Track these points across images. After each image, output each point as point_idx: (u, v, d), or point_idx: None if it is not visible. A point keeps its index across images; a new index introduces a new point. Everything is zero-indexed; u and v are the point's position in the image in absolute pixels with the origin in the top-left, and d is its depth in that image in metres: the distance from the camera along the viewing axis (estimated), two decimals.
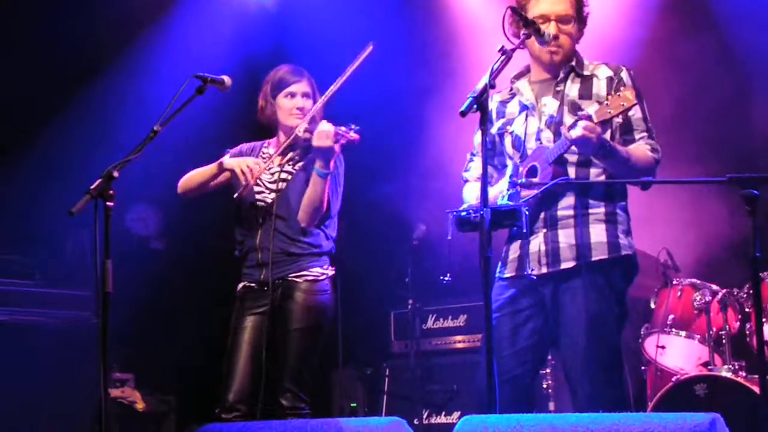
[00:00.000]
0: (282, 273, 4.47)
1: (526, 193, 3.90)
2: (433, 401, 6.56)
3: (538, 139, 4.01)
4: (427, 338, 6.78)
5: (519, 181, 3.93)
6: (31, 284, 5.98)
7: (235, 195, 4.50)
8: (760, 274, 3.54)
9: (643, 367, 5.78)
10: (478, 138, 4.19)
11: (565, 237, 3.95)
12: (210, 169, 4.62)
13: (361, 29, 6.52)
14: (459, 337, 6.74)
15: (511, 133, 4.11)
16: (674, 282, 5.61)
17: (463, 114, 3.51)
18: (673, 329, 5.52)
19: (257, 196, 4.55)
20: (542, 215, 3.98)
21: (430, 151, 6.58)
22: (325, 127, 4.39)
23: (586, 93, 4.00)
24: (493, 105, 4.20)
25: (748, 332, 5.38)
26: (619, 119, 3.92)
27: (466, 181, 4.29)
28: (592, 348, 3.86)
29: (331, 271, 4.56)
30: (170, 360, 6.74)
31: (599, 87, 3.99)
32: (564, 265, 3.94)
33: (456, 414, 6.42)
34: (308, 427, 3.61)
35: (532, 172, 3.96)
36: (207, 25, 6.77)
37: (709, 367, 5.26)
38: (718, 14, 6.25)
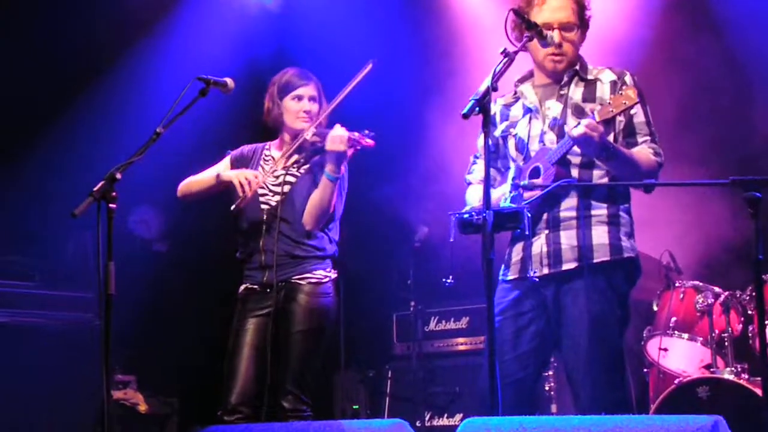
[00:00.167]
0: (285, 275, 4.47)
1: (528, 195, 3.89)
2: (435, 403, 6.56)
3: (542, 141, 4.01)
4: (429, 340, 6.78)
5: (521, 183, 3.93)
6: (32, 286, 5.98)
7: (233, 207, 4.50)
8: (763, 276, 3.53)
9: (645, 370, 5.77)
10: (481, 141, 4.19)
11: (567, 238, 3.95)
12: (208, 179, 4.62)
13: (363, 31, 6.54)
14: (461, 340, 6.73)
15: (515, 135, 4.11)
16: (677, 284, 5.60)
17: (465, 116, 3.51)
18: (676, 331, 5.51)
19: (261, 199, 4.55)
20: (545, 217, 3.98)
21: (432, 153, 6.58)
22: (339, 131, 4.39)
23: (589, 96, 4.00)
24: (496, 108, 4.20)
25: (750, 335, 5.37)
26: (621, 118, 3.92)
27: (469, 183, 4.29)
28: (594, 350, 3.86)
29: (333, 274, 4.56)
30: (172, 362, 6.74)
31: (603, 91, 3.99)
32: (565, 266, 3.94)
33: (458, 416, 6.41)
34: (311, 429, 3.61)
35: (535, 173, 3.96)
36: (210, 27, 6.77)
37: (712, 370, 5.25)
38: (720, 16, 6.24)
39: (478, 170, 4.26)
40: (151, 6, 6.72)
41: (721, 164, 5.72)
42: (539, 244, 3.99)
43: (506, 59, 3.66)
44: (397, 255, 6.78)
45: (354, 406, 6.89)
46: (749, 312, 5.37)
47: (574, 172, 3.96)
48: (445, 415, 6.55)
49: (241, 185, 4.46)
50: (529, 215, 3.75)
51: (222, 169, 4.73)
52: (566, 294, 3.94)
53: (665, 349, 5.53)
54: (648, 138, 3.99)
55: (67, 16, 6.37)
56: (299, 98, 4.60)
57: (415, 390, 6.53)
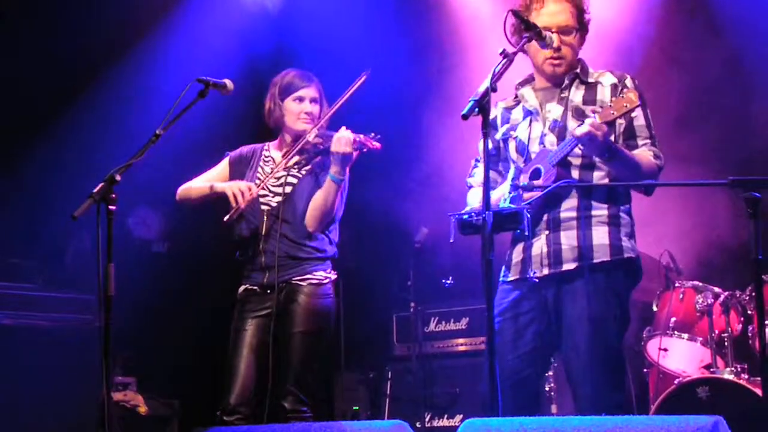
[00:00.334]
0: (286, 276, 4.47)
1: (528, 196, 3.90)
2: (435, 404, 6.56)
3: (542, 143, 4.02)
4: (429, 341, 6.78)
5: (520, 184, 3.93)
6: (33, 288, 5.98)
7: (225, 218, 4.49)
8: (763, 276, 3.53)
9: (645, 370, 5.77)
10: (482, 144, 4.19)
11: (567, 239, 3.95)
12: (203, 188, 4.63)
13: (362, 32, 6.54)
14: (461, 340, 6.73)
15: (515, 138, 4.11)
16: (676, 284, 5.60)
17: (464, 117, 3.51)
18: (676, 332, 5.52)
19: (261, 200, 4.55)
20: (545, 217, 3.99)
21: (432, 154, 6.58)
22: (345, 133, 4.40)
23: (590, 99, 4.01)
24: (497, 111, 4.21)
25: (750, 335, 5.37)
26: (621, 121, 3.93)
27: (471, 186, 4.29)
28: (594, 350, 3.86)
29: (334, 275, 4.57)
30: (173, 363, 6.74)
31: (603, 93, 4.00)
32: (565, 267, 3.94)
33: (458, 417, 6.42)
34: (311, 430, 3.62)
35: (535, 174, 3.96)
36: (209, 28, 6.77)
37: (712, 370, 5.26)
38: (721, 17, 6.24)
39: (479, 173, 4.26)
40: (151, 7, 6.72)
41: (721, 165, 5.72)
42: (539, 245, 3.99)
43: (505, 60, 3.67)
44: (396, 256, 6.78)
45: (354, 407, 6.89)
46: (749, 312, 5.38)
47: (575, 174, 3.96)
48: (445, 416, 6.55)
49: (234, 196, 4.46)
50: (529, 216, 3.76)
51: (220, 170, 4.73)
52: (566, 294, 3.94)
53: (665, 350, 5.54)
54: (648, 141, 4.00)
55: (67, 16, 6.37)
56: (300, 99, 4.60)
57: (415, 391, 6.53)
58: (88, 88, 6.54)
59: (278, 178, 4.58)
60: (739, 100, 6.20)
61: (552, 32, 3.96)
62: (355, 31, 6.58)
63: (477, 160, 4.32)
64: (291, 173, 4.58)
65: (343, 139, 4.39)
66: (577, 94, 4.04)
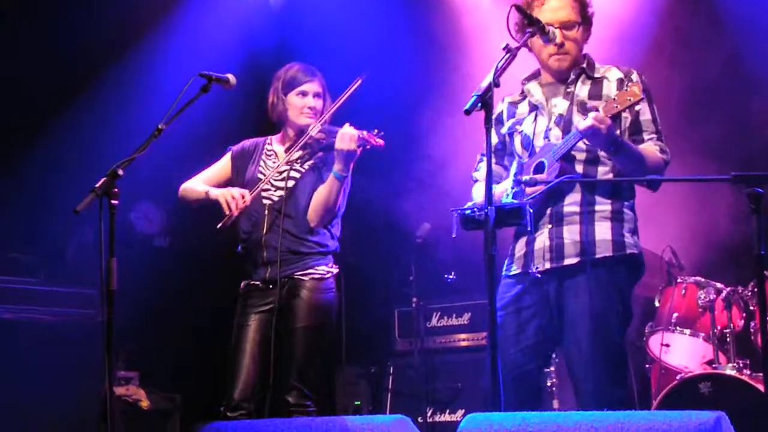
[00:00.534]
0: (288, 271, 4.47)
1: (531, 191, 3.89)
2: (437, 399, 6.56)
3: (546, 137, 4.02)
4: (431, 336, 6.78)
5: (523, 179, 3.93)
6: (35, 282, 5.98)
7: (219, 226, 4.49)
8: (765, 272, 3.52)
9: (647, 365, 5.77)
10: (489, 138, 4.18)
11: (570, 233, 3.95)
12: (200, 193, 4.62)
13: (364, 27, 6.54)
14: (463, 335, 6.74)
15: (521, 132, 4.11)
16: (678, 280, 5.61)
17: (467, 112, 3.51)
18: (678, 327, 5.52)
19: (263, 194, 4.55)
20: (548, 212, 3.99)
21: (435, 149, 6.58)
22: (349, 130, 4.39)
23: (596, 94, 4.01)
24: (503, 106, 4.22)
25: (752, 330, 5.37)
26: (626, 115, 3.92)
27: (476, 181, 4.29)
28: (595, 345, 3.87)
29: (335, 269, 4.57)
30: (175, 358, 6.74)
31: (609, 88, 3.99)
32: (567, 261, 3.94)
33: (460, 412, 6.42)
34: (313, 425, 3.62)
35: (539, 168, 3.96)
36: (211, 23, 6.77)
37: (714, 366, 5.26)
38: (723, 13, 6.23)
39: (484, 168, 4.25)
40: (152, 5, 6.72)
41: (724, 160, 5.72)
42: (542, 239, 3.99)
43: (508, 55, 3.67)
44: (398, 251, 6.78)
45: (356, 402, 6.89)
46: (751, 308, 5.38)
47: (579, 168, 3.96)
48: (447, 411, 6.55)
49: (228, 203, 4.46)
50: (531, 211, 3.75)
51: (223, 166, 4.74)
52: (568, 289, 3.94)
53: (667, 345, 5.54)
54: (654, 136, 4.00)
55: (68, 13, 6.37)
56: (304, 94, 4.60)
57: (417, 386, 6.53)
58: (89, 85, 6.54)
59: (281, 173, 4.58)
60: (741, 97, 6.19)
61: (555, 28, 3.96)
62: (356, 27, 6.58)
63: (483, 155, 4.31)
64: (294, 168, 4.57)
65: (347, 136, 4.38)
66: (582, 89, 4.03)
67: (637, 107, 3.91)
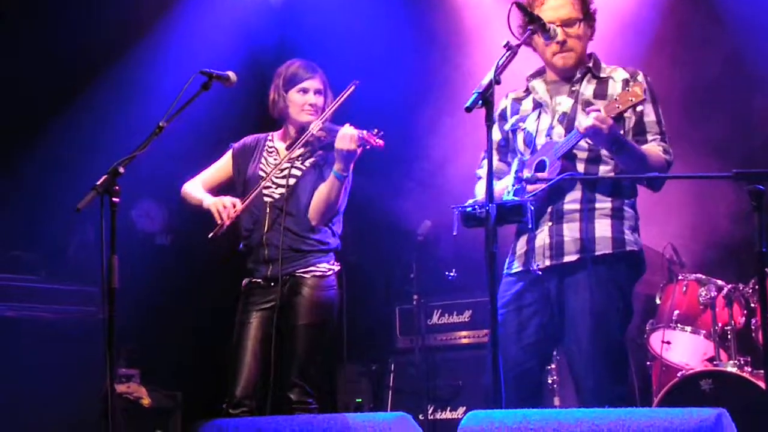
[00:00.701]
0: (289, 269, 4.48)
1: (532, 188, 3.89)
2: (438, 396, 6.57)
3: (549, 135, 4.01)
4: (432, 334, 6.78)
5: (524, 176, 3.93)
6: (36, 280, 5.98)
7: (210, 235, 4.49)
8: (766, 269, 3.52)
9: (648, 363, 5.78)
10: (492, 136, 4.18)
11: (570, 231, 3.95)
12: (197, 200, 4.62)
13: (365, 23, 6.53)
14: (464, 333, 6.73)
15: (524, 129, 4.11)
16: (679, 277, 5.61)
17: (468, 109, 3.51)
18: (679, 324, 5.52)
19: (264, 192, 4.55)
20: (548, 209, 3.99)
21: (436, 146, 6.57)
22: (349, 130, 4.38)
23: (601, 93, 4.00)
24: (507, 102, 4.22)
25: (753, 327, 5.38)
26: (629, 115, 3.92)
27: (479, 178, 4.28)
28: (596, 343, 3.87)
29: (337, 267, 4.57)
30: (176, 355, 6.74)
31: (615, 88, 3.99)
32: (567, 258, 3.94)
33: (461, 409, 6.42)
34: (315, 422, 3.62)
35: (540, 166, 3.96)
36: (212, 20, 6.76)
37: (715, 363, 5.26)
38: (724, 11, 6.23)
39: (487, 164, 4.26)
40: (152, 5, 6.71)
41: (725, 158, 5.72)
42: (542, 237, 3.99)
43: (509, 52, 3.66)
44: (399, 248, 6.78)
45: (357, 399, 6.90)
46: (752, 305, 5.38)
47: (580, 167, 3.96)
48: (448, 409, 6.55)
49: (219, 212, 4.46)
50: (532, 208, 3.75)
51: (224, 164, 4.74)
52: (569, 287, 3.95)
53: (668, 342, 5.54)
54: (658, 137, 4.00)
55: (68, 12, 6.36)
56: (304, 91, 4.59)
57: (418, 383, 6.53)
58: (90, 83, 6.54)
59: (282, 170, 4.58)
60: (743, 95, 6.18)
61: (556, 26, 3.96)
62: (357, 24, 6.58)
63: (486, 152, 4.31)
64: (295, 165, 4.57)
65: (347, 136, 4.37)
66: (588, 88, 4.03)
67: (639, 108, 3.91)
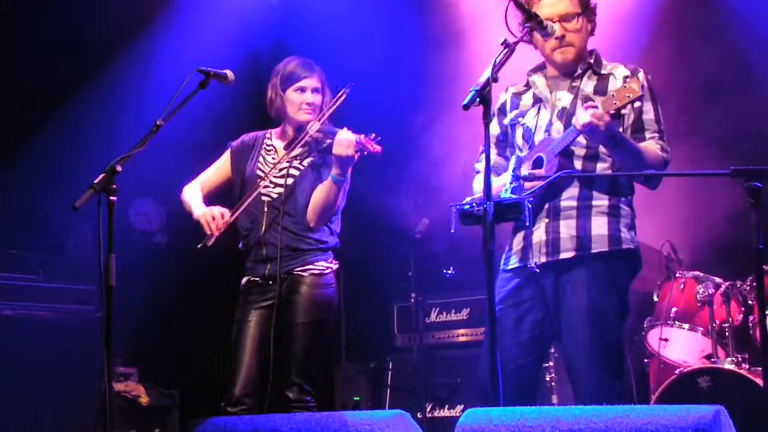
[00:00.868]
0: (287, 267, 4.47)
1: (529, 186, 3.89)
2: (436, 394, 6.57)
3: (548, 131, 4.01)
4: (430, 332, 6.79)
5: (522, 174, 3.93)
6: (34, 279, 5.99)
7: (199, 246, 4.49)
8: (764, 266, 3.53)
9: (646, 360, 5.78)
10: (491, 130, 4.18)
11: (567, 228, 3.95)
12: (189, 209, 4.61)
13: (363, 21, 6.53)
14: (462, 331, 6.74)
15: (523, 124, 4.11)
16: (677, 275, 5.61)
17: (465, 107, 3.51)
18: (676, 322, 5.53)
19: (262, 191, 4.55)
20: (545, 206, 3.99)
21: (434, 144, 6.57)
22: (347, 135, 4.36)
23: (601, 90, 4.00)
24: (507, 96, 4.22)
25: (751, 324, 5.38)
26: (627, 112, 3.92)
27: (477, 172, 4.28)
28: (593, 340, 3.87)
29: (335, 265, 4.57)
30: (173, 354, 6.74)
31: (615, 85, 3.98)
32: (563, 255, 3.94)
33: (459, 407, 6.43)
34: (313, 420, 3.62)
35: (537, 163, 3.95)
36: (209, 18, 6.76)
37: (713, 360, 5.26)
38: (725, 8, 6.23)
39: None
40: (152, 2, 6.71)
41: (723, 156, 5.72)
42: (539, 234, 3.99)
43: (506, 50, 3.66)
44: (397, 246, 6.78)
45: (355, 398, 6.90)
46: (750, 302, 5.39)
47: (578, 164, 3.96)
48: (446, 407, 6.56)
49: (207, 223, 4.45)
50: (530, 206, 3.75)
51: (222, 163, 4.74)
52: (565, 284, 3.95)
53: (666, 340, 5.54)
54: (656, 135, 3.99)
55: (67, 9, 6.36)
56: (302, 90, 4.58)
57: (416, 381, 6.54)
58: (87, 82, 6.53)
59: (280, 170, 4.57)
60: (742, 91, 6.18)
61: (554, 22, 3.95)
62: (354, 22, 6.57)
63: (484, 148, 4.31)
64: (293, 165, 4.57)
65: (345, 142, 4.36)
66: (588, 84, 4.03)
67: (637, 104, 3.90)
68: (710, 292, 5.38)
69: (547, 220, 3.99)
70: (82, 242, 6.38)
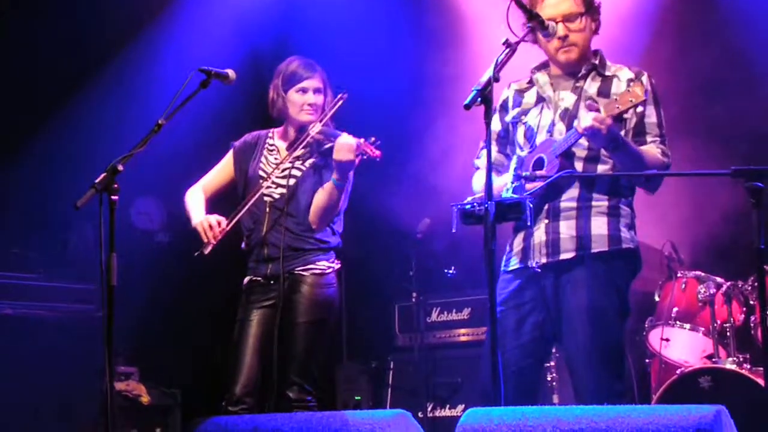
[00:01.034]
0: (289, 267, 4.47)
1: (530, 186, 3.89)
2: (437, 394, 6.57)
3: (550, 131, 4.00)
4: (431, 331, 6.79)
5: (523, 174, 3.93)
6: (35, 278, 5.99)
7: (196, 254, 4.49)
8: (765, 266, 3.53)
9: (647, 360, 5.78)
10: (492, 126, 4.18)
11: (567, 228, 3.95)
12: (189, 215, 4.61)
13: (365, 21, 6.53)
14: (463, 330, 6.74)
15: (525, 123, 4.10)
16: (678, 275, 5.61)
17: (467, 107, 3.51)
18: (678, 322, 5.52)
19: (264, 191, 4.55)
20: (546, 207, 3.98)
21: (435, 144, 6.57)
22: (348, 140, 4.36)
23: (604, 91, 3.99)
24: (509, 93, 4.21)
25: (752, 324, 5.38)
26: (628, 115, 3.91)
27: (477, 168, 4.28)
28: (594, 341, 3.86)
29: (337, 265, 4.57)
30: (175, 353, 6.74)
31: (619, 87, 3.97)
32: (563, 256, 3.94)
33: (460, 407, 6.43)
34: (314, 420, 3.62)
35: (538, 164, 3.95)
36: (211, 17, 6.76)
37: (714, 360, 5.26)
38: (725, 6, 6.23)
39: (486, 155, 4.24)
40: (152, 2, 6.72)
41: (724, 156, 5.72)
42: (539, 234, 3.99)
43: (508, 50, 3.66)
44: (399, 246, 6.78)
45: (356, 397, 6.90)
46: (751, 302, 5.38)
47: (579, 166, 3.96)
48: (448, 406, 6.56)
49: (204, 231, 4.46)
50: (531, 206, 3.75)
51: (225, 164, 4.74)
52: (566, 284, 3.94)
53: (667, 340, 5.54)
54: (657, 139, 3.99)
55: (68, 8, 6.36)
56: (304, 91, 4.57)
57: (418, 381, 6.54)
58: (88, 81, 6.54)
59: (282, 170, 4.57)
60: (743, 90, 6.18)
61: (557, 22, 3.95)
62: (355, 20, 6.57)
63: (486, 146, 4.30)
64: (295, 165, 4.57)
65: (345, 147, 4.35)
66: (592, 86, 4.02)
67: (639, 109, 3.89)
68: (711, 292, 5.38)
69: (547, 221, 3.98)
70: (84, 241, 6.38)
